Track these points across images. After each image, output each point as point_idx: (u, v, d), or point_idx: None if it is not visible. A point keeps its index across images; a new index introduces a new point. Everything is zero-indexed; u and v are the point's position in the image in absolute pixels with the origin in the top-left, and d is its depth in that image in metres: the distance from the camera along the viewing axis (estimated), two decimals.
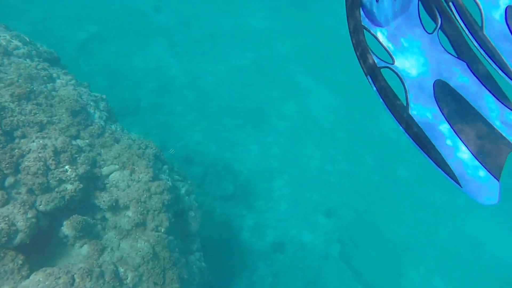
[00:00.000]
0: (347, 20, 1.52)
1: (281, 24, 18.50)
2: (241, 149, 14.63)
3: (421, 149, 1.47)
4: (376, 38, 1.60)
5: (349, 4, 1.52)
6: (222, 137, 14.65)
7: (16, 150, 5.22)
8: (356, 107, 16.36)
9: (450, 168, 1.44)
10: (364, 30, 1.54)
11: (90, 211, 6.04)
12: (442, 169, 1.43)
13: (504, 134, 1.55)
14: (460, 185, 1.44)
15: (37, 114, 5.80)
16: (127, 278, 5.50)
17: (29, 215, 5.11)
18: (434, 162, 1.44)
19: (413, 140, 1.48)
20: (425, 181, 15.43)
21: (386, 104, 1.51)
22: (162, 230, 6.23)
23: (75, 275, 4.94)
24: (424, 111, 1.52)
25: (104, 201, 5.95)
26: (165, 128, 14.22)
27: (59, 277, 4.82)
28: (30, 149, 5.36)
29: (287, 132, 15.22)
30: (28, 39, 7.56)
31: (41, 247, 5.49)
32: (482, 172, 1.46)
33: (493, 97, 1.58)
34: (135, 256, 5.67)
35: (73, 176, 5.59)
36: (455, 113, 1.54)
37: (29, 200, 5.19)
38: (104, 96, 7.34)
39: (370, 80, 1.53)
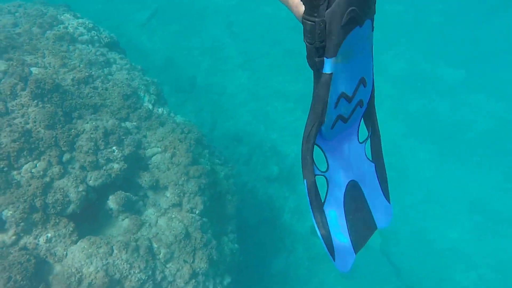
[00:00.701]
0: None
1: None
2: (289, 132, 14.75)
3: (323, 238, 1.85)
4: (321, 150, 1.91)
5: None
6: (271, 119, 14.85)
7: (73, 130, 5.88)
8: None
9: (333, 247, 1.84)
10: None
11: (133, 188, 6.64)
12: (327, 247, 1.83)
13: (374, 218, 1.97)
14: (333, 259, 1.84)
15: (93, 97, 6.42)
16: (160, 254, 6.06)
17: (80, 189, 5.78)
18: (326, 245, 1.81)
19: (320, 229, 1.82)
20: (487, 183, 14.52)
21: (311, 201, 1.85)
22: (197, 212, 6.70)
23: (113, 247, 5.58)
24: (332, 207, 1.89)
25: (145, 180, 6.51)
26: (217, 107, 14.72)
27: (100, 247, 5.48)
28: (84, 130, 6.00)
29: None
30: (91, 25, 8.22)
31: (90, 217, 6.21)
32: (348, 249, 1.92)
33: (379, 187, 2.00)
34: (168, 235, 6.20)
35: (119, 156, 6.17)
36: (351, 207, 1.91)
37: (81, 176, 5.86)
38: (155, 80, 7.84)
39: (309, 186, 1.85)
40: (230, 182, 8.06)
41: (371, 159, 1.99)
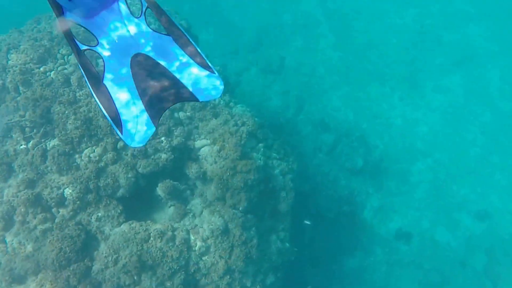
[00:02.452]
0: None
1: None
2: (381, 121, 13.91)
3: (106, 111, 2.07)
4: (83, 27, 2.24)
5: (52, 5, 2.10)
6: (362, 106, 14.16)
7: None
8: None
9: (120, 121, 2.04)
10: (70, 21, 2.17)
11: (183, 177, 7.20)
12: (112, 121, 2.04)
13: (187, 87, 2.11)
14: (121, 132, 2.03)
15: None
16: (196, 246, 6.54)
17: (129, 175, 6.54)
18: (110, 118, 2.06)
19: (101, 103, 2.09)
20: None
21: (84, 75, 2.11)
22: (240, 208, 6.97)
23: (151, 234, 6.23)
24: (116, 80, 2.15)
25: (192, 172, 7.00)
26: (305, 89, 14.57)
27: (139, 232, 6.18)
28: None
29: (443, 108, 13.54)
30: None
31: (143, 200, 6.98)
32: (143, 123, 2.10)
33: (190, 58, 2.16)
34: (206, 228, 6.63)
35: (167, 147, 6.74)
36: (144, 78, 2.12)
37: (131, 163, 6.60)
38: (218, 68, 8.15)
39: (77, 58, 2.14)
40: (287, 178, 8.10)
41: (165, 33, 2.19)
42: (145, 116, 2.16)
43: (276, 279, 7.81)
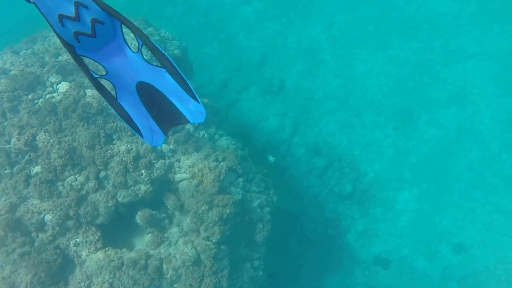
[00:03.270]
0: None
1: (477, 6, 15.17)
2: (373, 149, 13.71)
3: (126, 122, 2.60)
4: (92, 59, 2.58)
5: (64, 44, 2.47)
6: (357, 133, 13.97)
7: (109, 152, 6.65)
8: None
9: (139, 128, 2.62)
10: (82, 56, 2.52)
11: (163, 206, 7.23)
12: (133, 128, 2.60)
13: (181, 111, 2.63)
14: (142, 136, 2.62)
15: None
16: (168, 274, 6.57)
17: (110, 204, 6.59)
18: (131, 127, 2.60)
19: (121, 116, 2.59)
20: None
21: (104, 97, 2.57)
22: (213, 241, 6.97)
23: (124, 262, 6.28)
24: (128, 100, 2.61)
25: (170, 203, 7.02)
26: (302, 112, 14.44)
27: (113, 260, 6.24)
28: (119, 151, 6.72)
29: (434, 142, 13.28)
30: (170, 36, 8.84)
31: (123, 226, 7.04)
32: (157, 130, 2.69)
33: (180, 87, 2.61)
34: (178, 258, 6.65)
35: (146, 179, 6.76)
36: (150, 99, 2.63)
37: (112, 192, 6.65)
38: (206, 101, 8.13)
39: (93, 84, 2.57)
40: (265, 211, 8.06)
41: (160, 65, 2.58)
42: (156, 128, 2.67)
43: None
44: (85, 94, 6.91)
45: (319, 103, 14.54)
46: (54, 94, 7.04)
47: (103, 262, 6.18)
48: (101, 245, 6.54)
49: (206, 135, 7.70)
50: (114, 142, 6.86)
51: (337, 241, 13.07)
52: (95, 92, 6.93)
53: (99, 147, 6.62)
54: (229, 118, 13.70)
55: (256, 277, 7.91)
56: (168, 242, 7.00)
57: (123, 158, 6.60)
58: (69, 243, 6.37)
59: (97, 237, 6.51)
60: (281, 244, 12.48)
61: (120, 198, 6.69)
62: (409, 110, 13.75)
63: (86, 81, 7.05)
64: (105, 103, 6.88)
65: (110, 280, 6.02)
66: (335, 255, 12.82)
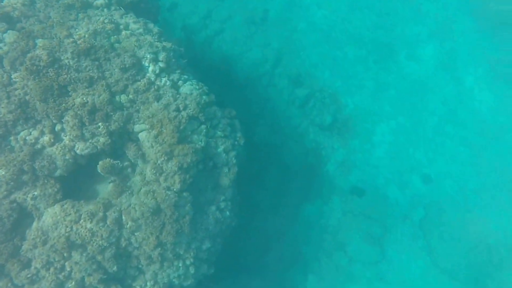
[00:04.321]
0: None
1: None
2: (354, 82, 12.82)
3: None
4: None
5: None
6: (339, 65, 12.95)
7: (63, 105, 6.02)
8: None
9: None
10: None
11: (125, 155, 6.80)
12: None
13: None
14: None
15: (91, 70, 6.29)
16: (127, 225, 6.37)
17: (67, 157, 6.15)
18: None
19: None
20: None
21: None
22: (174, 190, 6.64)
23: (82, 215, 6.04)
24: None
25: (131, 153, 6.57)
26: (285, 44, 13.26)
27: (69, 214, 5.98)
28: (74, 104, 6.09)
29: (412, 77, 12.34)
30: None
31: (86, 176, 6.70)
32: None
33: None
34: (137, 210, 6.39)
35: (104, 132, 6.23)
36: None
37: (69, 145, 6.17)
38: (169, 45, 7.19)
39: None
40: (231, 155, 7.62)
41: None
42: None
43: (214, 244, 7.80)
44: (35, 44, 6.05)
45: (302, 34, 13.27)
46: (0, 45, 6.19)
47: (59, 217, 5.93)
48: (61, 197, 6.23)
49: (168, 83, 6.93)
50: (70, 94, 6.18)
51: (317, 171, 12.89)
52: (47, 42, 6.07)
53: (52, 100, 5.97)
54: (206, 54, 12.63)
55: (222, 218, 7.75)
56: (130, 191, 6.69)
57: (78, 112, 5.99)
58: (26, 197, 6.05)
59: (56, 189, 6.17)
60: (261, 175, 12.37)
61: (78, 151, 6.22)
62: (390, 44, 12.55)
63: (36, 29, 6.14)
64: (57, 54, 6.07)
65: (67, 234, 5.82)
66: (315, 184, 12.73)
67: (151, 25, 7.34)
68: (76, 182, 6.56)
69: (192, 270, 7.26)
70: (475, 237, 11.37)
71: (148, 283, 6.90)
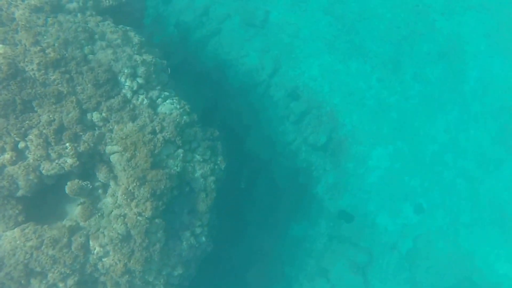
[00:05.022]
0: None
1: None
2: (355, 99, 12.74)
3: None
4: None
5: None
6: (340, 80, 12.84)
7: (27, 122, 5.90)
8: None
9: None
10: None
11: (94, 177, 6.71)
12: None
13: None
14: None
15: (60, 84, 6.16)
16: (95, 250, 6.34)
17: (31, 177, 6.08)
18: None
19: None
20: None
21: None
22: (146, 216, 6.59)
23: (44, 241, 5.98)
24: None
25: (101, 176, 6.50)
26: (284, 51, 13.12)
27: (30, 239, 5.93)
28: (40, 121, 5.97)
29: (417, 99, 12.26)
30: None
31: (50, 196, 6.61)
32: None
33: None
34: (106, 235, 6.35)
35: (71, 153, 6.13)
36: None
37: (33, 164, 6.08)
38: (150, 59, 7.04)
39: None
40: (209, 181, 7.57)
41: None
42: None
43: (187, 269, 7.79)
44: None
45: (304, 42, 13.13)
46: None
47: (18, 242, 5.88)
48: (23, 219, 6.18)
49: (145, 101, 6.83)
50: (35, 109, 6.05)
51: (306, 191, 12.88)
52: (8, 49, 5.91)
53: (14, 116, 5.85)
54: (199, 56, 12.48)
55: (197, 244, 7.74)
56: (100, 213, 6.65)
57: (43, 131, 5.87)
58: None
59: (17, 211, 6.12)
60: (248, 188, 12.34)
61: (44, 171, 6.14)
62: (397, 61, 12.43)
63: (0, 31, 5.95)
64: (20, 64, 5.92)
65: (26, 261, 5.77)
66: (303, 205, 12.74)
67: (131, 34, 7.18)
68: (43, 201, 6.48)
69: None
70: (460, 273, 11.45)
71: None
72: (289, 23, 13.16)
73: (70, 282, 6.22)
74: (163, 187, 6.61)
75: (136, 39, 7.14)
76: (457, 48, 12.16)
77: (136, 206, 6.51)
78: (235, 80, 13.21)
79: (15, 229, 5.99)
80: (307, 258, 12.25)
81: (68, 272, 6.10)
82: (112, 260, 6.45)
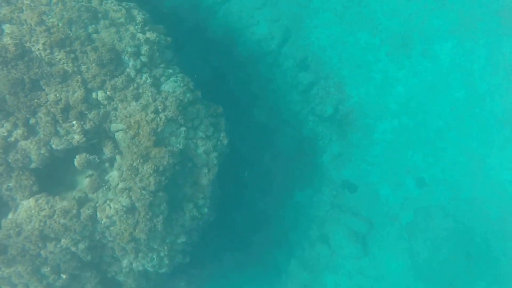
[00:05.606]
0: None
1: None
2: (363, 72, 12.51)
3: None
4: None
5: None
6: (348, 52, 12.56)
7: (35, 100, 6.14)
8: None
9: None
10: None
11: (102, 151, 7.01)
12: None
13: None
14: None
15: (65, 64, 6.30)
16: (102, 220, 6.76)
17: (42, 151, 6.43)
18: None
19: None
20: None
21: None
22: (149, 190, 6.92)
23: (56, 211, 6.41)
24: None
25: (107, 151, 6.80)
26: (295, 21, 12.80)
27: (44, 209, 6.37)
28: (48, 100, 6.20)
29: (424, 75, 11.98)
30: None
31: (63, 169, 6.97)
32: None
33: None
34: (112, 207, 6.74)
35: (78, 130, 6.40)
36: None
37: (44, 140, 6.40)
38: (153, 37, 7.04)
39: None
40: (211, 156, 7.82)
41: None
42: None
43: (190, 237, 8.23)
44: (3, 31, 6.02)
45: (315, 12, 12.75)
46: None
47: (33, 211, 6.32)
48: (37, 189, 6.60)
49: (149, 80, 6.95)
50: (43, 87, 6.26)
51: (311, 160, 13.05)
52: (15, 28, 6.02)
53: (24, 95, 6.09)
54: (210, 23, 12.29)
55: (200, 215, 8.12)
56: (107, 186, 7.02)
57: (51, 110, 6.12)
58: (1, 187, 6.38)
59: (31, 182, 6.54)
60: (252, 155, 12.59)
61: (54, 146, 6.48)
62: (406, 36, 12.02)
63: (5, 11, 6.04)
64: (27, 44, 6.07)
65: (40, 228, 6.23)
66: (307, 173, 12.96)
67: (135, 12, 7.17)
68: (54, 172, 6.86)
69: (166, 260, 7.80)
70: (457, 246, 11.68)
71: (123, 270, 7.46)
72: None
73: (81, 246, 6.73)
74: (165, 163, 6.89)
75: (139, 17, 7.14)
76: (468, 25, 11.63)
77: (140, 181, 6.84)
78: (244, 48, 13.07)
79: (30, 199, 6.43)
80: (310, 224, 12.66)
81: (78, 238, 6.59)
82: (119, 229, 6.89)
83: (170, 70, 7.43)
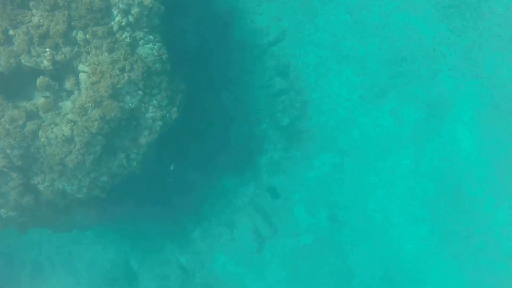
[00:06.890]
0: None
1: None
2: (331, 101, 14.11)
3: None
4: None
5: None
6: (326, 78, 14.05)
7: (20, 17, 7.19)
8: None
9: None
10: None
11: (63, 80, 8.20)
12: None
13: None
14: None
15: None
16: (41, 138, 8.03)
17: (11, 61, 7.55)
18: None
19: None
20: None
21: None
22: (91, 131, 8.20)
23: (5, 115, 7.61)
24: None
25: (68, 85, 8.02)
26: (295, 28, 13.99)
27: None
28: (31, 21, 7.27)
29: (383, 130, 13.72)
30: None
31: (23, 82, 8.08)
32: None
33: None
34: (54, 131, 8.00)
35: (49, 58, 7.54)
36: None
37: (16, 52, 7.50)
38: (148, 3, 8.08)
39: None
40: (156, 124, 9.20)
41: None
42: None
43: (112, 179, 9.65)
44: None
45: (315, 28, 14.08)
46: None
47: None
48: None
49: (128, 39, 8.10)
50: (31, 8, 7.29)
51: (252, 155, 14.59)
52: None
53: (11, 8, 7.10)
54: None
55: (127, 165, 9.57)
56: (58, 111, 8.26)
57: (31, 31, 7.20)
58: None
59: None
60: (206, 135, 14.03)
61: (23, 61, 7.59)
62: (385, 90, 13.63)
63: None
64: None
65: None
66: (243, 165, 14.54)
67: None
68: (18, 82, 7.97)
69: (85, 190, 9.30)
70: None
71: (45, 183, 8.81)
72: (311, 4, 13.88)
73: (15, 152, 8.03)
74: (113, 115, 8.22)
75: None
76: (442, 110, 13.47)
77: (86, 121, 8.15)
78: (238, 31, 14.18)
79: None
80: (224, 207, 14.42)
81: (15, 146, 7.86)
82: (53, 151, 8.20)
83: (151, 37, 8.60)
